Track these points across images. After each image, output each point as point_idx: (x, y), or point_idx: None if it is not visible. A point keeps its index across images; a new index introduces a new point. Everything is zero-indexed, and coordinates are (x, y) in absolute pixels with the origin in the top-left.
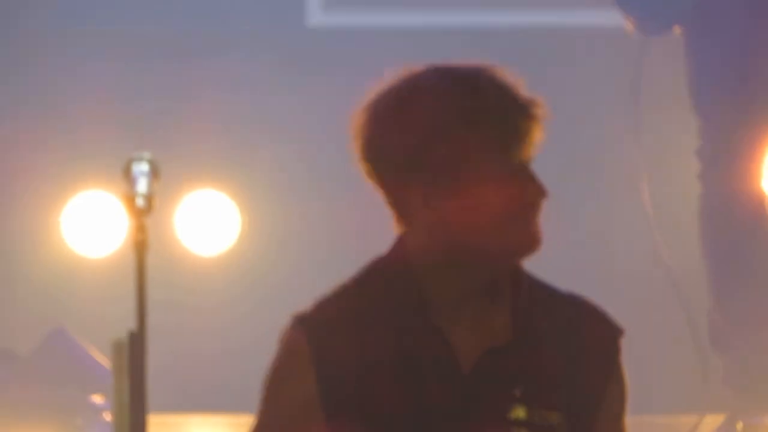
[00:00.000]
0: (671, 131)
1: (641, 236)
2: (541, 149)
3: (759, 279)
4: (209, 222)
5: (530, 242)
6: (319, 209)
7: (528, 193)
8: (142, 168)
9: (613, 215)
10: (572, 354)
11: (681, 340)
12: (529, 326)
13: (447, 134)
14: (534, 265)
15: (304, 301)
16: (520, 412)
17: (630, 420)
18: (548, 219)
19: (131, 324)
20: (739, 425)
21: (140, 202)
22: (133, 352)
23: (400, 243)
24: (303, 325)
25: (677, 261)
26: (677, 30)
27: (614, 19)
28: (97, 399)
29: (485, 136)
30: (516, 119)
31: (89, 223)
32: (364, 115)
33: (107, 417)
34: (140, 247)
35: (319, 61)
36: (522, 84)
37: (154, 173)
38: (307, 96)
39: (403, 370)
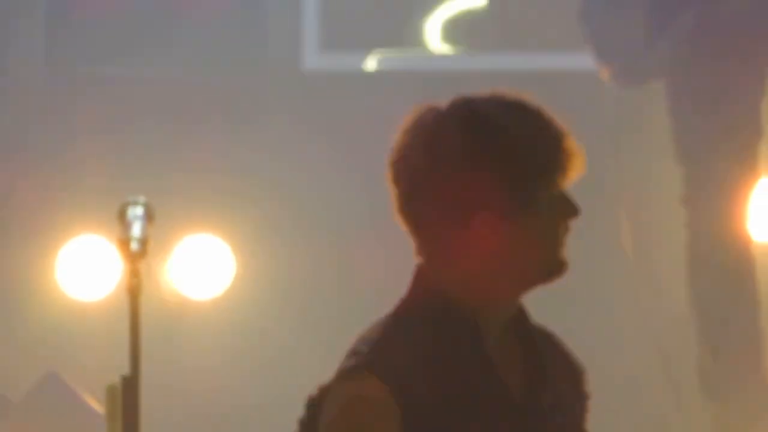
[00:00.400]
0: (651, 178)
1: (623, 285)
2: None
3: (748, 324)
4: (204, 266)
5: (564, 264)
6: (313, 254)
7: (568, 215)
8: (136, 212)
9: (595, 263)
10: (569, 380)
11: (670, 390)
12: (538, 354)
13: (513, 160)
14: None
15: (298, 344)
16: None
17: None
18: None
19: (125, 369)
20: None
21: (135, 246)
22: (127, 396)
23: (427, 278)
24: (374, 371)
25: (659, 310)
26: (654, 82)
27: (592, 63)
28: None
29: (545, 162)
30: (567, 144)
31: (84, 268)
32: (425, 147)
33: None
34: (134, 291)
35: (315, 105)
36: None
37: (149, 217)
38: (302, 141)
39: (474, 403)
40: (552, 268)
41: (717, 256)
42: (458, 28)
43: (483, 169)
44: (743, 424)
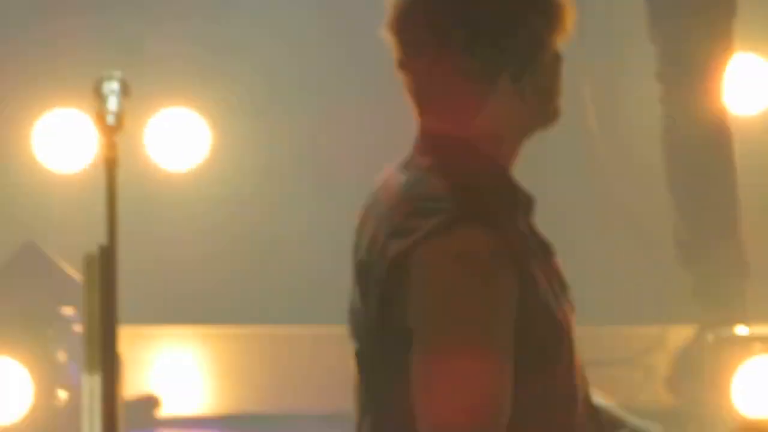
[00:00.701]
0: (616, 59)
1: (591, 160)
2: None
3: (723, 193)
4: (179, 138)
5: (559, 112)
6: (287, 125)
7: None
8: (112, 86)
9: (557, 140)
10: None
11: (647, 256)
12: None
13: (527, 18)
14: None
15: (272, 214)
16: None
17: (604, 330)
18: None
19: (102, 238)
20: (710, 337)
21: (110, 119)
22: (104, 265)
23: (441, 137)
24: (478, 220)
25: (631, 181)
26: None
27: None
28: (68, 311)
29: (549, 21)
30: (566, 5)
31: (60, 140)
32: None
33: (78, 328)
34: (111, 163)
35: None
36: None
37: (125, 91)
38: (275, 13)
39: (533, 249)
40: (556, 115)
41: (693, 128)
42: None
43: (501, 24)
44: (721, 291)
